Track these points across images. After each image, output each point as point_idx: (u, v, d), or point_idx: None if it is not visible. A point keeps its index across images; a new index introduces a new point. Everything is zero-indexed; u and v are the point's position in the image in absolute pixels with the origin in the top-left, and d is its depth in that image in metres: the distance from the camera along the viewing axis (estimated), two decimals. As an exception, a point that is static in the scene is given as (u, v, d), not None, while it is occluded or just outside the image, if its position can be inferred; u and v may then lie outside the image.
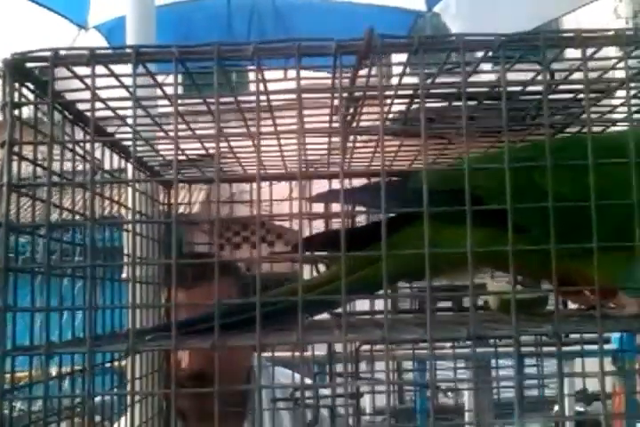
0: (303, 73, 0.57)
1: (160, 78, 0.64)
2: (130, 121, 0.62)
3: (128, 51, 0.56)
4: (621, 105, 0.83)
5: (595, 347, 0.56)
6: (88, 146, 0.64)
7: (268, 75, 0.67)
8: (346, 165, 1.08)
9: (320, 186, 1.01)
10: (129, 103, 0.60)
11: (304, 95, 0.60)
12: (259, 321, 0.56)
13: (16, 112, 0.60)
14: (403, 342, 1.22)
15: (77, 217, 0.77)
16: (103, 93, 0.63)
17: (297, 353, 1.29)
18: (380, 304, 0.79)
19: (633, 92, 0.77)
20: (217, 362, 0.58)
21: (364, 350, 1.21)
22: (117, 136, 0.83)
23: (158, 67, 0.64)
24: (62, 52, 0.58)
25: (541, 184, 0.58)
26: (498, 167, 0.57)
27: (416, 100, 0.69)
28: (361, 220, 1.07)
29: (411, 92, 0.70)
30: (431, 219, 0.56)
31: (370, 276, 0.71)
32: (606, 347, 1.63)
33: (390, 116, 0.88)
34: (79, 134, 0.73)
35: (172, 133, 0.63)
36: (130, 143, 0.67)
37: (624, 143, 0.58)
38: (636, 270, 0.58)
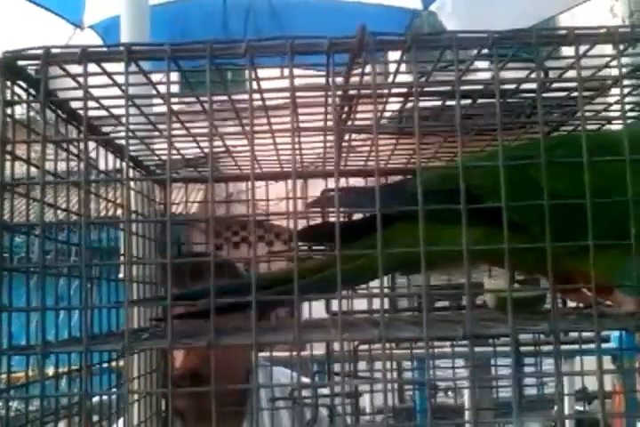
0: (301, 72, 0.57)
1: (158, 77, 0.63)
2: (124, 120, 0.61)
3: (120, 49, 0.56)
4: (615, 103, 0.83)
5: (594, 345, 0.56)
6: (82, 145, 0.64)
7: (266, 73, 0.67)
8: (343, 164, 1.08)
9: (317, 185, 1.01)
10: (123, 102, 0.60)
11: (299, 94, 0.60)
12: (254, 321, 0.55)
13: (8, 111, 0.60)
14: (400, 341, 1.22)
15: (73, 217, 0.76)
16: (98, 92, 0.63)
17: (295, 352, 1.29)
18: (377, 303, 0.79)
19: (627, 89, 0.76)
20: (213, 361, 0.58)
21: (363, 349, 1.20)
22: (112, 135, 0.83)
23: (154, 65, 0.63)
24: (54, 50, 0.58)
25: (537, 182, 0.58)
26: (493, 165, 0.57)
27: (410, 99, 0.69)
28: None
29: (405, 90, 0.69)
30: (429, 218, 0.55)
31: (365, 266, 0.71)
32: (606, 346, 1.62)
33: (388, 114, 0.88)
34: (74, 134, 0.73)
35: (166, 133, 0.62)
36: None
37: (619, 141, 0.58)
38: (633, 268, 0.58)
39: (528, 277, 0.86)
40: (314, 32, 0.57)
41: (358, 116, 0.80)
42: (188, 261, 0.89)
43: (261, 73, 0.65)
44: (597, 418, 0.56)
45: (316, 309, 1.05)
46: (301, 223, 0.93)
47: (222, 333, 0.60)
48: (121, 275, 0.94)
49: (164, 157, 0.96)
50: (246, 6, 2.83)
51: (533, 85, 0.63)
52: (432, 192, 0.60)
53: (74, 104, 0.69)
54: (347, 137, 0.92)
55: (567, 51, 0.62)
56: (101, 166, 0.86)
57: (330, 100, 0.68)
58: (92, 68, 0.59)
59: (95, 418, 0.89)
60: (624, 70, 0.59)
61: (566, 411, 2.35)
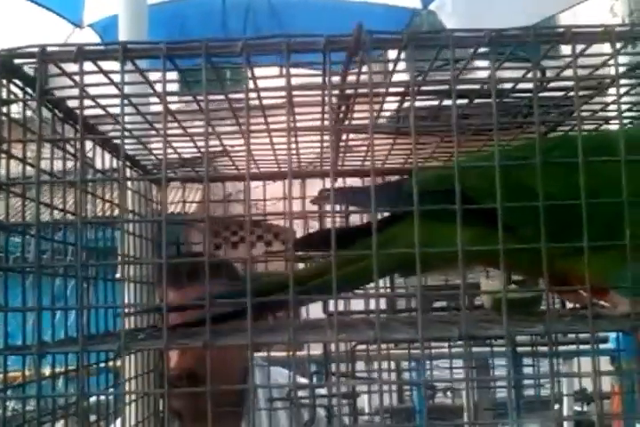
0: (300, 71, 0.57)
1: (156, 76, 0.63)
2: (120, 118, 0.61)
3: (116, 47, 0.55)
4: (612, 103, 0.83)
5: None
6: (79, 144, 0.64)
7: (263, 72, 0.67)
8: (340, 164, 1.08)
9: (316, 185, 1.01)
10: (119, 101, 0.60)
11: (296, 93, 0.60)
12: (250, 321, 0.55)
13: (4, 109, 0.60)
14: (395, 342, 1.22)
15: (69, 216, 0.76)
16: (94, 91, 0.63)
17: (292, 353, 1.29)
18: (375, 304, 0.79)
19: (624, 89, 0.76)
20: (209, 361, 0.58)
21: (360, 349, 1.20)
22: (109, 134, 0.82)
23: (151, 64, 0.63)
24: (51, 49, 0.57)
25: (529, 185, 0.58)
26: (488, 166, 0.57)
27: (407, 98, 0.69)
28: (355, 220, 1.07)
29: (402, 89, 0.69)
30: (424, 218, 0.55)
31: (365, 268, 0.71)
32: (604, 347, 1.62)
33: (387, 114, 0.88)
34: (70, 133, 0.73)
35: (162, 132, 0.62)
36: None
37: (615, 142, 0.58)
38: (627, 269, 0.58)
39: (526, 277, 0.86)
40: (313, 31, 0.56)
41: (355, 115, 0.80)
42: (183, 261, 0.89)
43: (259, 72, 0.65)
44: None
45: (313, 309, 1.05)
46: (299, 223, 0.93)
47: (218, 333, 0.60)
48: (118, 275, 0.94)
49: (160, 157, 0.95)
50: (245, 5, 2.83)
51: (530, 85, 0.63)
52: (428, 192, 0.60)
53: (70, 103, 0.69)
54: (344, 137, 0.92)
55: (565, 50, 0.62)
56: (98, 166, 0.86)
57: (327, 100, 0.68)
58: (90, 66, 0.59)
59: (92, 418, 0.89)
60: (621, 69, 0.59)
61: (565, 412, 2.34)
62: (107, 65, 0.61)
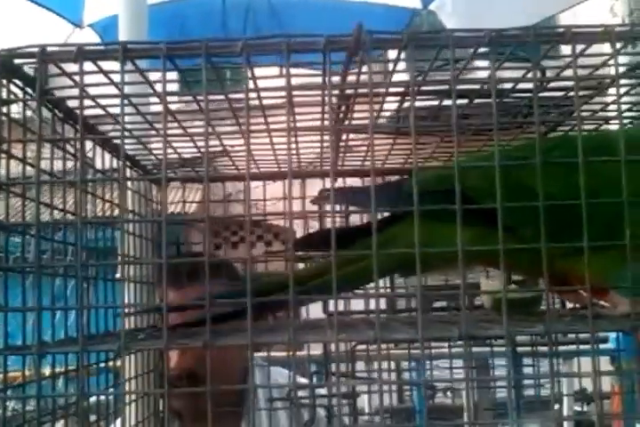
0: (300, 71, 0.57)
1: (157, 76, 0.63)
2: (120, 118, 0.61)
3: (116, 47, 0.55)
4: (612, 103, 0.83)
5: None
6: (79, 144, 0.64)
7: (264, 72, 0.67)
8: (340, 164, 1.08)
9: (316, 185, 1.01)
10: (119, 101, 0.60)
11: (296, 93, 0.60)
12: (250, 321, 0.55)
13: (4, 109, 0.60)
14: (395, 342, 1.22)
15: (69, 216, 0.76)
16: (95, 91, 0.63)
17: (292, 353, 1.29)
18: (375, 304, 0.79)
19: (624, 89, 0.76)
20: (209, 361, 0.58)
21: (360, 349, 1.20)
22: (109, 134, 0.82)
23: (151, 64, 0.63)
24: (51, 49, 0.57)
25: (530, 184, 0.58)
26: (488, 166, 0.57)
27: (407, 98, 0.69)
28: (355, 220, 1.07)
29: (402, 89, 0.69)
30: (424, 218, 0.55)
31: (366, 268, 0.71)
32: (604, 347, 1.62)
33: (387, 114, 0.88)
34: (70, 133, 0.73)
35: (162, 132, 0.62)
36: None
37: (615, 142, 0.58)
38: (627, 269, 0.58)
39: (526, 277, 0.86)
40: (313, 31, 0.56)
41: (355, 115, 0.80)
42: (182, 261, 0.89)
43: (259, 72, 0.65)
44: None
45: (313, 309, 1.05)
46: (299, 223, 0.93)
47: (218, 333, 0.60)
48: (118, 275, 0.94)
49: (160, 157, 0.95)
50: (245, 5, 2.83)
51: (530, 85, 0.63)
52: (428, 192, 0.60)
53: (70, 103, 0.69)
54: (344, 137, 0.92)
55: (565, 50, 0.62)
56: (98, 166, 0.86)
57: (327, 100, 0.68)
58: (90, 66, 0.59)
59: (92, 418, 0.89)
60: (621, 69, 0.59)
61: (565, 412, 2.34)
62: (107, 65, 0.61)
